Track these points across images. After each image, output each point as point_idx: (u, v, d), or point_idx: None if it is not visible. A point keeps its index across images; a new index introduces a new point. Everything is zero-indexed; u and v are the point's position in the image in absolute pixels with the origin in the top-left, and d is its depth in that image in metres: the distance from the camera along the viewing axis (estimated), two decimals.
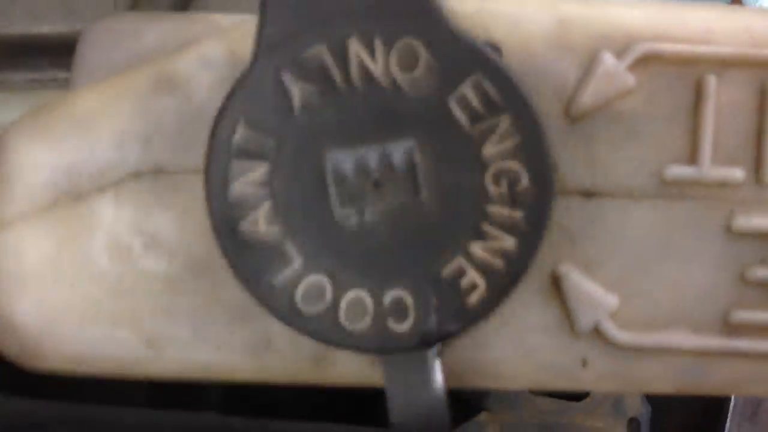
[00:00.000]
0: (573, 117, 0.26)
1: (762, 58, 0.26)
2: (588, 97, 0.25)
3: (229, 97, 0.24)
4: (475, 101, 0.24)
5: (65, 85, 0.33)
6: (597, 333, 0.27)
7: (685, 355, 0.27)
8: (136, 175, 0.26)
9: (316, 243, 0.24)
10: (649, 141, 0.26)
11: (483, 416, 0.50)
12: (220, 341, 0.27)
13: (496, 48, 0.26)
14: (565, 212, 0.26)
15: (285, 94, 0.24)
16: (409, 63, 0.24)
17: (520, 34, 0.26)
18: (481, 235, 0.24)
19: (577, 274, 0.26)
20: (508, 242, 0.24)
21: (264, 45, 0.24)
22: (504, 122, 0.24)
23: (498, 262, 0.24)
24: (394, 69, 0.24)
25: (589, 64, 0.26)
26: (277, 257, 0.24)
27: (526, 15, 0.26)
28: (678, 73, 0.26)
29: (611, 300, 0.26)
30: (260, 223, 0.24)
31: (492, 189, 0.24)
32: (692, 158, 0.26)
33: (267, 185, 0.24)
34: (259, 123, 0.24)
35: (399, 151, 0.24)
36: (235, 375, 0.27)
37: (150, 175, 0.26)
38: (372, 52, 0.24)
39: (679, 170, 0.26)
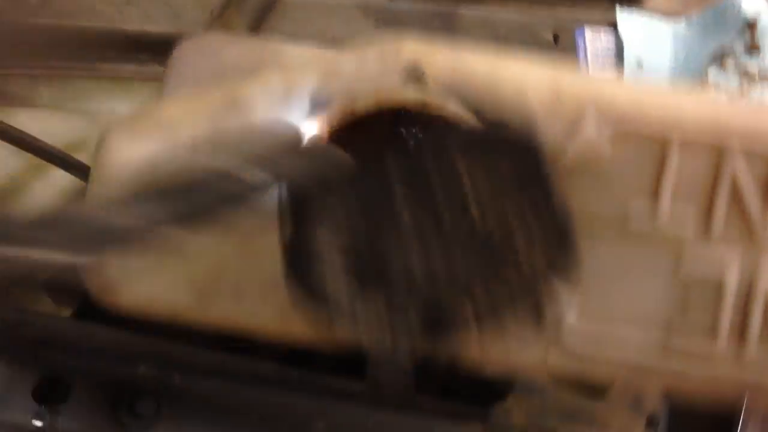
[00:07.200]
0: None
1: (720, 144, 0.31)
2: (569, 157, 0.31)
3: None
4: None
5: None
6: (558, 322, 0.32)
7: (629, 351, 0.32)
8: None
9: None
10: (618, 194, 0.31)
11: (509, 401, 0.54)
12: None
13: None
14: None
15: None
16: None
17: (523, 98, 0.31)
18: None
19: None
20: None
21: None
22: None
23: None
24: None
25: (574, 131, 0.31)
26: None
27: (529, 82, 0.31)
28: (649, 146, 0.31)
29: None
30: None
31: None
32: (652, 214, 0.31)
33: None
34: None
35: None
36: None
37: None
38: None
39: (640, 222, 0.31)
